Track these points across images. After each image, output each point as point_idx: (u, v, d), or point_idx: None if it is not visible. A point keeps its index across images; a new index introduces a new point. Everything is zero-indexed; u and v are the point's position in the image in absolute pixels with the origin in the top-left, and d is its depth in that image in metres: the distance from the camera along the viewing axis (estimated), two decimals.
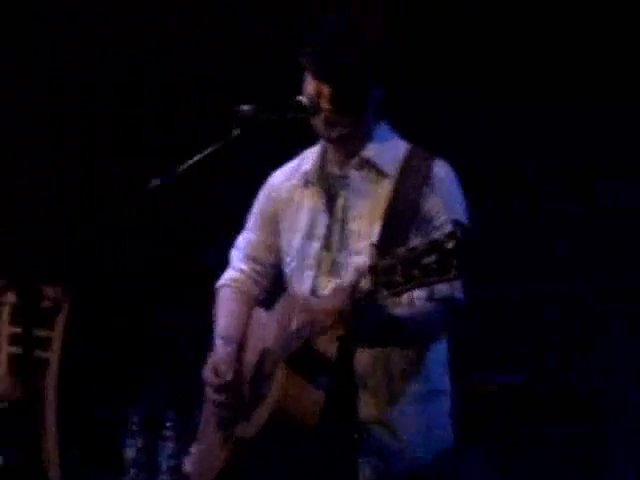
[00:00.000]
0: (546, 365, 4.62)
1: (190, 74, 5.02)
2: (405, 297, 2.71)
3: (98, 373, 5.05)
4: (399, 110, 2.95)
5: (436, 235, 2.40)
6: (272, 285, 3.15)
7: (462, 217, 2.81)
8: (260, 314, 3.08)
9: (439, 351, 2.91)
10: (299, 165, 3.03)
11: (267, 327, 2.97)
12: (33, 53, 5.14)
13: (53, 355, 4.42)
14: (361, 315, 2.58)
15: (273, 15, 4.86)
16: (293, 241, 2.98)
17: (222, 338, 3.04)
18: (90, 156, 5.09)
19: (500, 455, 4.43)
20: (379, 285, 2.45)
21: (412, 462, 2.85)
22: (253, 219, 3.13)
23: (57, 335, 4.42)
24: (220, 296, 3.17)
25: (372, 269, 2.48)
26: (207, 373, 2.97)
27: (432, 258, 2.35)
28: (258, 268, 3.13)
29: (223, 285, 3.18)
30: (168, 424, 4.69)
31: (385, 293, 2.44)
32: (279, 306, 2.95)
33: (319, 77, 2.83)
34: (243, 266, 3.15)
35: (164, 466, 4.66)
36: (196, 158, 2.79)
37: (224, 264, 3.22)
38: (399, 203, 2.81)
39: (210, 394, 2.96)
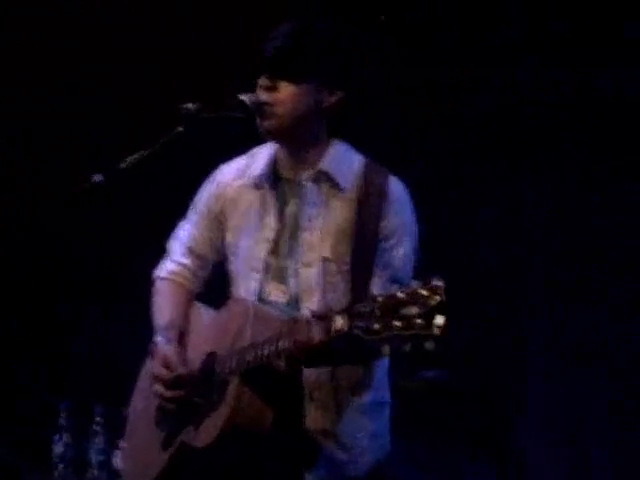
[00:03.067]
0: (469, 362, 4.69)
1: (135, 71, 5.00)
2: None
3: (24, 366, 5.01)
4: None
5: (416, 284, 2.34)
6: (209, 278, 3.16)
7: (414, 237, 2.89)
8: (201, 310, 3.08)
9: (384, 362, 2.93)
10: (248, 164, 3.03)
11: (211, 328, 2.97)
12: None
13: None
14: (330, 352, 2.58)
15: (222, 17, 4.87)
16: (240, 242, 2.99)
17: (164, 333, 3.02)
18: (27, 149, 5.05)
19: (424, 450, 4.50)
20: (356, 329, 2.41)
21: (356, 471, 2.89)
22: (197, 213, 3.11)
23: None
24: (158, 288, 3.15)
25: (349, 310, 2.46)
26: (156, 367, 2.94)
27: (413, 310, 2.30)
28: (198, 262, 3.13)
29: (161, 277, 3.17)
30: (97, 418, 4.67)
31: (363, 337, 2.38)
32: (227, 309, 2.95)
33: (261, 67, 2.86)
34: (183, 260, 3.14)
35: (94, 461, 4.64)
36: (138, 155, 2.80)
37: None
38: (364, 222, 2.83)
39: (159, 389, 2.92)
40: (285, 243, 2.92)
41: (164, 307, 3.10)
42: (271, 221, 2.94)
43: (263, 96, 2.84)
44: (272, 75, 2.84)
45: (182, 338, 3.04)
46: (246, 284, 2.95)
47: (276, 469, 2.83)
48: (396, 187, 2.90)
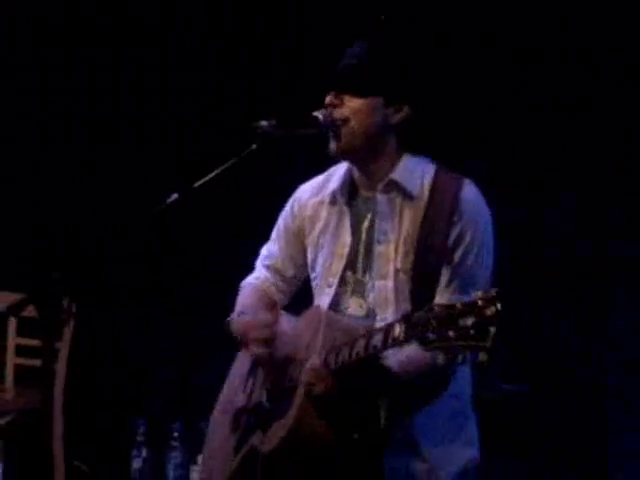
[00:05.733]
0: (550, 376, 4.64)
1: (208, 89, 5.05)
2: None
3: (103, 384, 5.07)
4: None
5: (475, 295, 2.34)
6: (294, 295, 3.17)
7: (486, 242, 2.84)
8: (283, 318, 3.04)
9: (463, 373, 2.88)
10: (326, 181, 3.04)
11: (289, 335, 2.96)
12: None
13: (60, 366, 4.43)
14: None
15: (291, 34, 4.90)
16: (318, 258, 3.00)
17: (241, 311, 3.05)
18: (105, 170, 5.12)
19: (504, 464, 4.45)
20: (411, 337, 2.42)
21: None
22: (277, 232, 3.15)
23: (64, 346, 4.43)
24: (241, 291, 3.17)
25: (406, 319, 2.46)
26: (254, 330, 2.91)
27: (469, 321, 2.29)
28: (279, 278, 3.15)
29: (246, 284, 3.19)
30: (175, 434, 4.71)
31: (420, 345, 2.39)
32: (303, 317, 2.95)
33: (331, 85, 2.86)
34: (269, 276, 3.16)
35: (171, 476, 4.68)
36: (213, 173, 2.80)
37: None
38: (430, 229, 2.80)
39: (255, 346, 2.89)
40: (361, 258, 2.91)
41: (243, 300, 3.12)
42: (347, 237, 2.94)
43: (334, 112, 2.84)
44: (337, 90, 2.85)
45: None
46: (323, 299, 2.95)
47: None
48: (469, 193, 2.86)
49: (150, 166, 4.99)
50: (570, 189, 4.62)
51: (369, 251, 2.90)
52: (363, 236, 2.92)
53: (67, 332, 4.44)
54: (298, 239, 3.08)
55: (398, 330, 2.47)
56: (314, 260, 3.02)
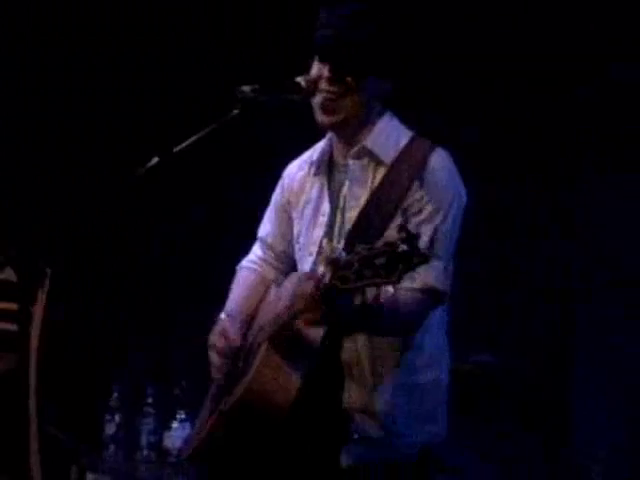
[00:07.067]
0: (518, 346, 4.68)
1: (189, 53, 5.02)
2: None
3: (77, 349, 5.06)
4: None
5: (393, 237, 2.43)
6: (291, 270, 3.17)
7: (449, 210, 2.81)
8: (272, 293, 3.10)
9: (433, 343, 2.92)
10: (311, 155, 3.06)
11: (271, 303, 3.00)
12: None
13: (34, 330, 4.40)
14: (328, 303, 2.62)
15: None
16: (301, 229, 3.02)
17: (229, 309, 3.08)
18: (84, 134, 5.09)
19: (474, 434, 4.49)
20: (336, 279, 2.51)
21: (395, 454, 2.86)
22: (270, 208, 3.18)
23: (39, 310, 4.41)
24: (236, 276, 3.21)
25: (334, 262, 2.54)
26: (214, 336, 2.99)
27: (383, 259, 2.42)
28: (273, 255, 3.18)
29: (242, 267, 3.23)
30: (148, 400, 4.71)
31: (340, 288, 2.51)
32: (283, 285, 2.98)
33: (322, 56, 2.85)
34: (260, 253, 3.21)
35: (144, 442, 4.69)
36: (193, 138, 2.79)
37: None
38: (384, 190, 2.81)
39: (213, 357, 2.98)
40: (338, 225, 2.92)
41: (235, 290, 3.16)
42: (325, 206, 2.96)
43: (328, 87, 2.83)
44: (337, 68, 2.83)
45: (253, 319, 3.07)
46: (304, 269, 2.97)
47: (309, 444, 2.84)
48: (438, 159, 2.84)
49: (131, 131, 4.97)
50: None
51: (344, 217, 2.91)
52: (341, 203, 2.93)
53: (41, 296, 4.42)
54: (287, 214, 3.10)
55: (327, 276, 2.55)
56: (299, 232, 3.04)
